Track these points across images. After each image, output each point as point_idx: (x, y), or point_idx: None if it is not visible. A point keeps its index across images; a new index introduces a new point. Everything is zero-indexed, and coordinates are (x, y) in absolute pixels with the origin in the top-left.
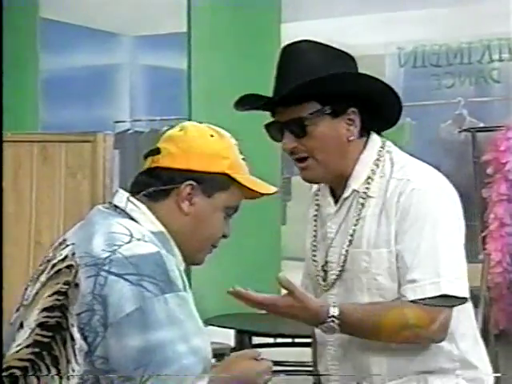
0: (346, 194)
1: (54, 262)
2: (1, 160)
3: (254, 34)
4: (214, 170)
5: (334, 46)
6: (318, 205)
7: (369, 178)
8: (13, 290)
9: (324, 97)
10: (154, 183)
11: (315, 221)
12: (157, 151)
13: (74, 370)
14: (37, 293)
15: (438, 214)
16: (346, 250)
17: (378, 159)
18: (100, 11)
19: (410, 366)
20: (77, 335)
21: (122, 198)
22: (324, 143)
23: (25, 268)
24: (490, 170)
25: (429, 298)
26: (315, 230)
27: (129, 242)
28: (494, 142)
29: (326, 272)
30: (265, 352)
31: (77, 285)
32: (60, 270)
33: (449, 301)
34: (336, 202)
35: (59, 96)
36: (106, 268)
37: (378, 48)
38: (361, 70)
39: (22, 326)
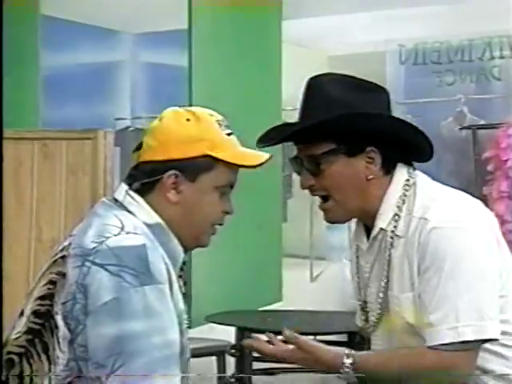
0: (373, 233)
1: (56, 251)
2: (1, 157)
3: (254, 31)
4: (193, 154)
5: (361, 78)
6: (356, 238)
7: (396, 215)
8: (14, 286)
9: (338, 136)
10: (140, 177)
11: (357, 258)
12: (140, 145)
13: (58, 358)
14: (37, 282)
15: (457, 254)
16: (384, 293)
17: (404, 194)
18: (101, 8)
19: None
20: (60, 323)
21: (121, 191)
22: (340, 182)
23: (25, 264)
24: (490, 168)
25: (448, 344)
26: (357, 268)
27: (117, 235)
28: (494, 140)
29: (366, 312)
30: None
31: (64, 274)
32: (56, 260)
33: (470, 345)
34: (368, 238)
35: (60, 93)
36: (91, 258)
37: (378, 45)
38: (362, 68)
39: (22, 313)
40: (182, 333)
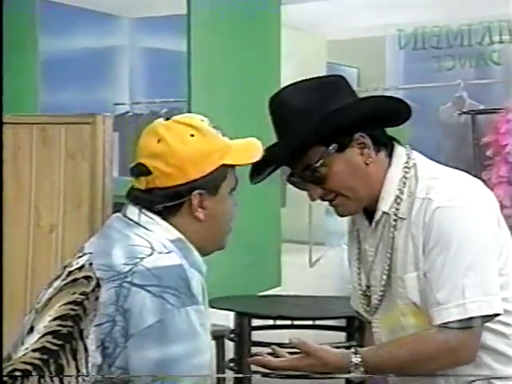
0: (376, 217)
1: (70, 269)
2: (0, 142)
3: (253, 15)
4: (211, 169)
5: (314, 77)
6: (356, 222)
7: (398, 197)
8: (13, 271)
9: (325, 138)
10: (161, 200)
11: (358, 243)
12: (146, 171)
13: (84, 381)
14: (50, 298)
15: (461, 233)
16: (387, 275)
17: (404, 176)
18: None
19: (476, 373)
20: (91, 347)
21: (134, 211)
22: (344, 180)
23: (24, 250)
24: (489, 153)
25: (455, 321)
26: (358, 253)
27: (150, 255)
28: (494, 125)
29: (368, 297)
30: (264, 334)
31: (97, 298)
32: (77, 279)
33: (477, 321)
34: (370, 222)
35: (58, 78)
36: (129, 280)
37: (377, 30)
38: (361, 53)
39: (32, 330)
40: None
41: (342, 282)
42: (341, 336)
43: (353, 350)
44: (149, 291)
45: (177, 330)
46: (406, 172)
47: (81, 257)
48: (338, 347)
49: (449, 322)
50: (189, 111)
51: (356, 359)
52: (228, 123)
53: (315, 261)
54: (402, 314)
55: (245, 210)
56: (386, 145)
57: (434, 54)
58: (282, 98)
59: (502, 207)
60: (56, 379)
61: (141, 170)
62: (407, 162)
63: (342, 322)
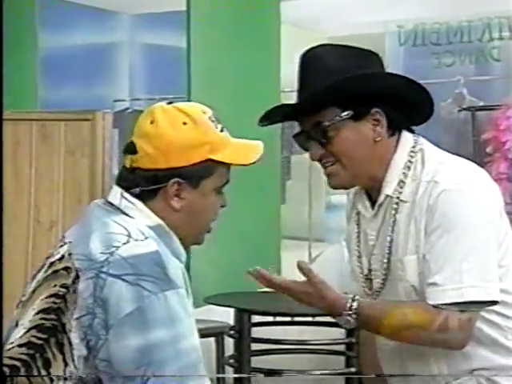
0: (379, 200)
1: (52, 260)
2: (0, 138)
3: (253, 12)
4: (195, 160)
5: (356, 45)
6: (357, 209)
7: (401, 181)
8: (12, 267)
9: (344, 101)
10: (140, 183)
11: (357, 226)
12: (133, 150)
13: (70, 374)
14: (33, 291)
15: (465, 217)
16: (388, 259)
17: (409, 161)
18: None
19: (472, 365)
20: (76, 340)
21: (116, 194)
22: (349, 148)
23: (24, 245)
24: (489, 149)
25: (451, 304)
26: (358, 236)
27: (126, 243)
28: (493, 121)
29: (370, 280)
30: (264, 330)
31: (75, 290)
32: (57, 270)
33: (473, 306)
34: (372, 205)
35: (58, 74)
36: (105, 270)
37: (378, 26)
38: None
39: (17, 324)
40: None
41: (341, 278)
42: (341, 332)
43: (352, 295)
44: (125, 280)
45: (156, 315)
46: (412, 156)
47: (61, 246)
48: (337, 344)
49: (444, 304)
50: None
51: (353, 303)
52: (228, 119)
53: (315, 257)
54: (402, 297)
55: (245, 207)
56: (399, 131)
57: (433, 51)
58: (316, 53)
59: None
60: (44, 374)
61: (128, 148)
62: (414, 147)
63: None
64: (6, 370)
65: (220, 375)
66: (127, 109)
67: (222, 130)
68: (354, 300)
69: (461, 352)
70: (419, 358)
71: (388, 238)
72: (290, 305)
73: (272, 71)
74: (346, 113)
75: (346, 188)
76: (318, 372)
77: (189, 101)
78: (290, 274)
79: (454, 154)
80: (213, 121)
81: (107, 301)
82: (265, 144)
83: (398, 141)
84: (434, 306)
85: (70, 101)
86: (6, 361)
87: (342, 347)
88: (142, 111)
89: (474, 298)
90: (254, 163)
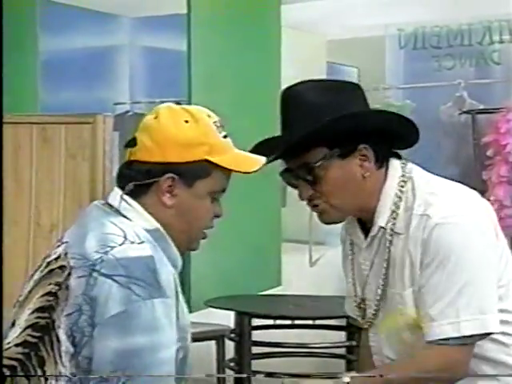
0: (373, 233)
1: (48, 260)
2: (0, 141)
3: (254, 15)
4: (192, 158)
5: (332, 79)
6: (350, 234)
7: (394, 212)
8: (13, 270)
9: (330, 141)
10: (134, 177)
11: (352, 253)
12: (134, 142)
13: (60, 373)
14: (30, 291)
15: (458, 250)
16: (382, 290)
17: (400, 190)
18: None
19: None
20: (63, 337)
21: (116, 196)
22: (338, 187)
23: (24, 248)
24: (490, 152)
25: (447, 339)
26: (352, 263)
27: (122, 244)
28: (494, 124)
29: (363, 309)
30: (265, 334)
31: (67, 286)
32: (53, 269)
33: (470, 339)
34: (366, 235)
35: (59, 77)
36: (97, 268)
37: (378, 29)
38: (361, 52)
39: (13, 324)
40: (187, 348)
41: (342, 281)
42: (341, 335)
43: (345, 379)
44: (116, 281)
45: (141, 321)
46: (402, 186)
47: (59, 246)
48: (338, 347)
49: (441, 340)
50: None
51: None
52: (228, 122)
53: (315, 260)
54: (401, 329)
55: (245, 210)
56: (388, 162)
57: (434, 54)
58: (297, 91)
59: (502, 207)
60: (39, 372)
61: (130, 142)
62: (403, 176)
63: (343, 322)
64: (5, 370)
65: (220, 375)
66: (128, 112)
67: (225, 137)
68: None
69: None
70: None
71: (383, 270)
72: (291, 308)
73: (272, 74)
74: (333, 151)
75: (337, 223)
76: (318, 375)
77: (189, 103)
78: (290, 276)
79: (454, 157)
80: (217, 126)
81: (96, 299)
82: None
83: (386, 170)
84: (431, 342)
85: (71, 104)
86: (4, 361)
87: (342, 350)
88: (142, 114)
89: (471, 332)
90: (250, 173)
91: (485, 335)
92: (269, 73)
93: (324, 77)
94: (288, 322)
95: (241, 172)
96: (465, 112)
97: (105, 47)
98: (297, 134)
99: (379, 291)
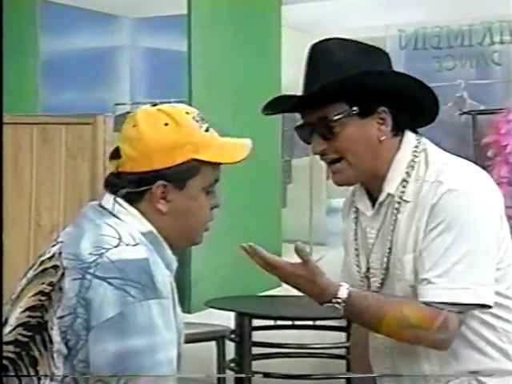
0: (381, 199)
1: (43, 258)
2: (1, 142)
3: (254, 15)
4: (179, 161)
5: (366, 42)
6: (356, 207)
7: (404, 180)
8: (13, 271)
9: (351, 97)
10: (125, 186)
11: (355, 224)
12: (117, 154)
13: (52, 374)
14: (22, 290)
15: (466, 218)
16: (387, 257)
17: (412, 160)
18: None
19: (464, 367)
20: (57, 338)
21: (109, 199)
22: (353, 144)
23: (25, 249)
24: (490, 153)
25: (441, 303)
26: (356, 234)
27: (117, 246)
28: (494, 125)
29: (368, 279)
30: (265, 334)
31: (61, 288)
32: (46, 269)
33: (464, 307)
34: (373, 204)
35: (59, 78)
36: (92, 271)
37: (378, 30)
38: None
39: (6, 322)
40: (179, 345)
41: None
42: (341, 336)
43: (343, 283)
44: (111, 283)
45: (137, 323)
46: (415, 156)
47: (54, 246)
48: (338, 347)
49: (435, 302)
50: None
51: (342, 294)
52: (229, 122)
53: (316, 261)
54: (401, 296)
55: (246, 210)
56: (404, 133)
57: (434, 54)
58: (325, 46)
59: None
60: (32, 372)
61: (113, 153)
62: (417, 147)
63: (343, 322)
64: None
65: (220, 375)
66: (128, 112)
67: (207, 130)
68: (345, 289)
69: (453, 353)
70: (411, 358)
71: (388, 237)
72: (291, 309)
73: (273, 75)
74: (353, 108)
75: (350, 184)
76: (319, 376)
77: (190, 104)
78: None
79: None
80: (197, 121)
81: (91, 302)
82: (265, 147)
83: (401, 141)
84: (425, 303)
85: (71, 104)
86: None
87: (342, 351)
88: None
89: (465, 301)
90: (239, 162)
91: (478, 306)
92: (269, 73)
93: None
94: (288, 322)
95: (230, 163)
96: (465, 113)
97: (105, 48)
98: (322, 85)
99: (385, 259)
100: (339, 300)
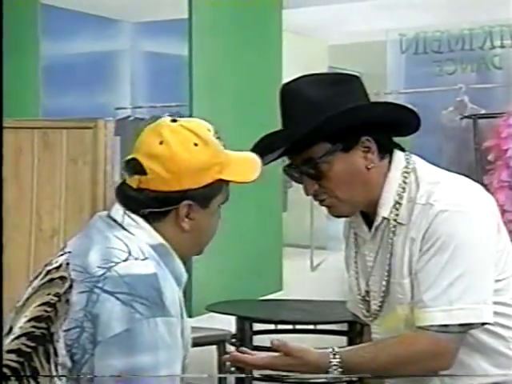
0: (376, 223)
1: (49, 268)
2: (1, 146)
3: (255, 19)
4: (207, 181)
5: (331, 72)
6: (354, 227)
7: (397, 203)
8: (14, 274)
9: (333, 136)
10: (150, 204)
11: (356, 246)
12: (142, 170)
13: None
14: (27, 298)
15: (460, 238)
16: (386, 281)
17: (403, 181)
18: None
19: (472, 380)
20: (62, 351)
21: (118, 211)
22: (343, 180)
23: (26, 253)
24: (491, 157)
25: (438, 326)
26: (356, 257)
27: (125, 260)
28: (495, 129)
29: (368, 302)
30: (266, 339)
31: (67, 300)
32: (53, 279)
33: (462, 327)
34: (370, 226)
35: (60, 82)
36: (100, 285)
37: (379, 34)
38: (363, 57)
39: (10, 330)
40: (185, 358)
41: (343, 286)
42: (342, 340)
43: (331, 350)
44: (118, 299)
45: (144, 340)
46: (405, 177)
47: (61, 255)
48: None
49: (431, 326)
50: (190, 115)
51: (335, 360)
52: (229, 127)
53: (317, 265)
54: (401, 320)
55: (247, 215)
56: (391, 152)
57: (435, 59)
58: (295, 87)
59: (504, 212)
60: (32, 383)
61: (136, 169)
62: (406, 167)
63: (344, 327)
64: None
65: (220, 375)
66: (129, 117)
67: (224, 146)
68: (334, 355)
69: (461, 365)
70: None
71: (386, 261)
72: (292, 313)
73: (274, 79)
74: (336, 146)
75: (347, 216)
76: (320, 379)
77: (191, 108)
78: (292, 280)
79: (455, 162)
80: (217, 138)
81: (98, 316)
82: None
83: (390, 161)
84: (421, 328)
85: (72, 109)
86: None
87: None
88: (143, 119)
89: (463, 321)
90: (254, 181)
91: (477, 325)
92: (270, 78)
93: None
94: (289, 326)
95: (248, 182)
96: (466, 117)
97: (106, 52)
98: (298, 131)
99: (384, 282)
100: (335, 367)
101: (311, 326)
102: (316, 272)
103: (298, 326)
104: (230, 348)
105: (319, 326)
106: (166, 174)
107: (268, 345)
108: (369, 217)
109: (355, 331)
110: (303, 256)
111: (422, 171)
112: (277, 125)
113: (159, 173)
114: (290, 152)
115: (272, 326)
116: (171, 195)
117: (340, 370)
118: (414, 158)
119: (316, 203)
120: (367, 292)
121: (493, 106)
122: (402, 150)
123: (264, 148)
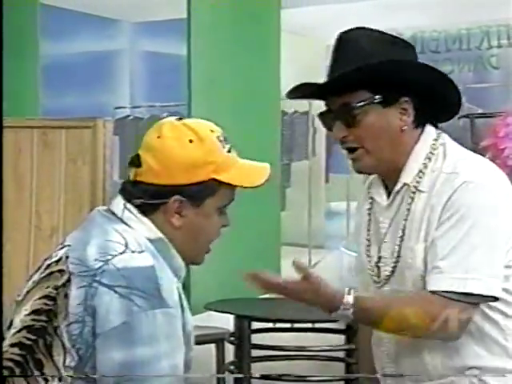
0: (397, 188)
1: (49, 262)
2: (1, 145)
3: (253, 19)
4: (199, 179)
5: (391, 33)
6: (371, 198)
7: (420, 171)
8: (13, 274)
9: (374, 85)
10: (141, 196)
11: (369, 215)
12: (138, 163)
13: (60, 380)
14: (28, 292)
15: (481, 209)
16: (399, 246)
17: (431, 152)
18: None
19: (465, 362)
20: (68, 345)
21: (118, 204)
22: (374, 133)
23: (25, 252)
24: (488, 156)
25: (452, 292)
26: (369, 224)
27: (122, 253)
28: (492, 128)
29: (379, 268)
30: (264, 337)
31: (66, 294)
32: (52, 272)
33: (474, 298)
34: (388, 195)
35: (59, 82)
36: (98, 279)
37: None
38: None
39: (11, 324)
40: (189, 350)
41: (341, 284)
42: (340, 339)
43: (348, 289)
44: (116, 292)
45: (143, 332)
46: (434, 149)
47: (61, 249)
48: (337, 350)
49: (445, 292)
50: (189, 115)
51: (348, 299)
52: (228, 126)
53: (315, 264)
54: (409, 285)
55: (245, 214)
56: (424, 125)
57: (432, 58)
58: (351, 35)
59: None
60: (38, 376)
61: (133, 161)
62: (436, 140)
63: (342, 325)
64: (4, 371)
65: (219, 375)
66: (128, 116)
67: (229, 151)
68: (349, 294)
69: (456, 348)
70: (414, 352)
71: (401, 226)
72: (290, 311)
73: (272, 79)
74: (375, 97)
75: (369, 173)
76: (318, 378)
77: (189, 108)
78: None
79: None
80: (220, 140)
81: (96, 309)
82: (265, 151)
83: (421, 133)
84: (434, 292)
85: (71, 108)
86: (4, 362)
87: (341, 353)
88: (142, 118)
89: (475, 291)
90: (258, 186)
91: (488, 298)
92: (268, 77)
93: (323, 81)
94: (287, 325)
95: (248, 187)
96: (463, 116)
97: (105, 52)
98: (346, 72)
99: (396, 247)
100: (347, 306)
101: (309, 325)
102: (314, 271)
103: (296, 325)
104: (228, 347)
105: (317, 325)
106: (157, 166)
107: (266, 343)
108: (387, 187)
109: (353, 329)
110: (301, 255)
111: (450, 146)
112: (275, 123)
113: (152, 165)
114: (330, 93)
115: (270, 325)
116: (162, 189)
117: (351, 310)
118: (445, 135)
119: (314, 203)
120: (379, 258)
121: (490, 105)
122: (436, 127)
123: (305, 86)
